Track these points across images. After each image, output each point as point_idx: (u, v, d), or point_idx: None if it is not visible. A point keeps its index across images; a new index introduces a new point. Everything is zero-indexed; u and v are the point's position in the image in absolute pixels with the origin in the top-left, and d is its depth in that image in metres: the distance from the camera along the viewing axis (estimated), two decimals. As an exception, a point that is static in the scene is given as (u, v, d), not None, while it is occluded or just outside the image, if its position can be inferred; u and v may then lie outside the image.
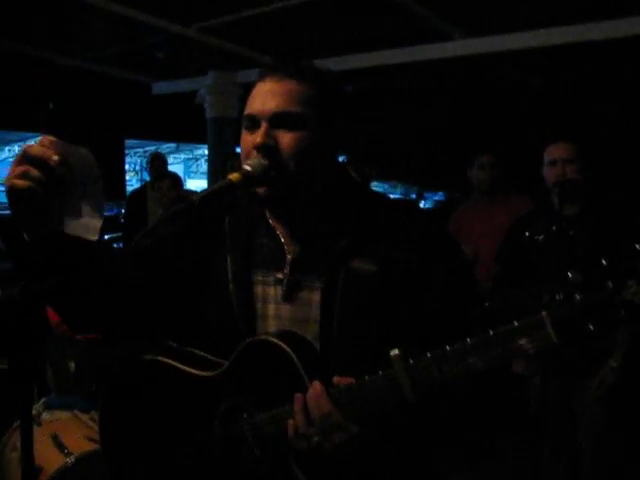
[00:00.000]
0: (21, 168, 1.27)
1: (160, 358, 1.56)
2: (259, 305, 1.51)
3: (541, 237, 3.16)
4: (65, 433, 2.64)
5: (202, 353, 1.56)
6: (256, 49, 6.37)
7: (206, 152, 8.28)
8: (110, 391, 1.67)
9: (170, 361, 1.55)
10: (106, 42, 6.44)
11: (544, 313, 1.17)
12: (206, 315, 1.56)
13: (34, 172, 1.26)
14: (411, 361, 1.27)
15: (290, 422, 1.34)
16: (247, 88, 1.49)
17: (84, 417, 2.80)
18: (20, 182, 1.26)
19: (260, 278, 1.52)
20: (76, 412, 2.83)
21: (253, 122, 1.43)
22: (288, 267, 1.49)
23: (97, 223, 1.34)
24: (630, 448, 3.44)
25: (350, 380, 1.33)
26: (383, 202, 1.57)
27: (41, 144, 1.31)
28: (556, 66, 6.91)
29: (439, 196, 13.61)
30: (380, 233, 1.45)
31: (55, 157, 1.27)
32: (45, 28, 6.10)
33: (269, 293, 1.51)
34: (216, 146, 7.53)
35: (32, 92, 8.41)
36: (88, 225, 1.34)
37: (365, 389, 1.31)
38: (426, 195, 13.57)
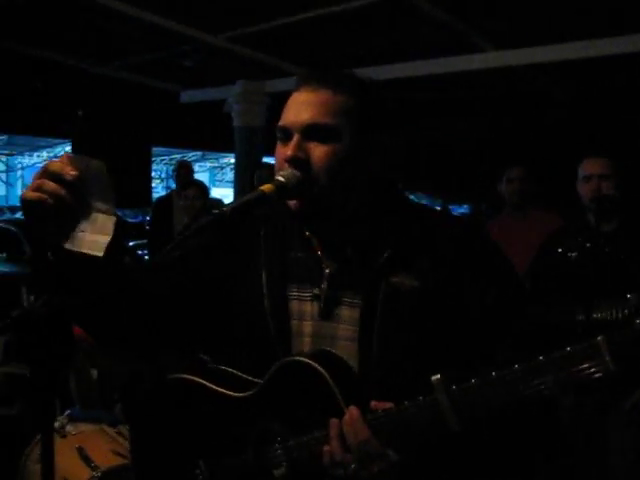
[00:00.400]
0: (37, 182, 1.27)
1: (190, 377, 1.51)
2: (295, 322, 1.45)
3: (574, 254, 3.09)
4: (91, 446, 2.60)
5: (234, 371, 1.50)
6: (285, 59, 6.37)
7: (232, 161, 8.31)
8: (141, 408, 1.62)
9: (201, 380, 1.50)
10: (135, 50, 6.48)
11: (600, 338, 1.09)
12: (239, 331, 1.50)
13: (48, 185, 1.26)
14: (454, 387, 1.20)
15: (326, 448, 1.28)
16: (275, 97, 1.46)
17: (110, 431, 2.75)
18: (30, 194, 1.26)
19: (295, 293, 1.46)
20: (103, 425, 2.79)
21: (286, 134, 1.38)
22: (326, 282, 1.43)
23: (105, 240, 1.32)
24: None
25: (389, 405, 1.26)
26: (423, 213, 1.50)
27: (60, 160, 1.31)
28: (589, 79, 6.83)
29: (464, 209, 13.53)
30: (421, 246, 1.39)
31: (73, 172, 1.28)
32: (75, 36, 6.15)
33: (305, 310, 1.45)
34: (243, 155, 7.54)
35: (61, 99, 8.50)
36: (96, 241, 1.32)
37: (405, 415, 1.24)
38: (451, 208, 13.48)
